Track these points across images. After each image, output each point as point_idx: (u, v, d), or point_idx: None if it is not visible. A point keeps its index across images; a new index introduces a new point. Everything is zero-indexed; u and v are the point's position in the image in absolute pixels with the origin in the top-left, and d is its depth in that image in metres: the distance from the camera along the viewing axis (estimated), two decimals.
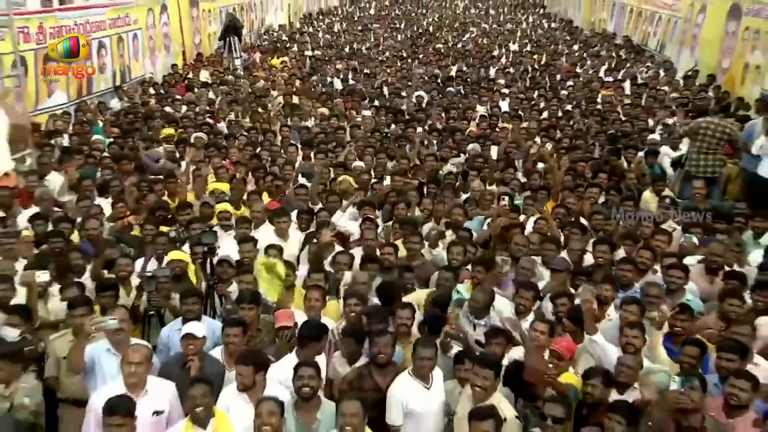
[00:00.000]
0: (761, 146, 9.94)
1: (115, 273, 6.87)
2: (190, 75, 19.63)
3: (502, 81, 19.25)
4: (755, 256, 7.65)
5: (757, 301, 6.38)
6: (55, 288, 6.50)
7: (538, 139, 12.53)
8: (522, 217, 8.49)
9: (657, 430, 4.67)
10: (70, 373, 5.54)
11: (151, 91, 17.25)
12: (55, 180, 9.50)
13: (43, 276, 6.29)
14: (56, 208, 8.56)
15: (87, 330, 5.26)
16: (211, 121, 13.80)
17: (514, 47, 27.28)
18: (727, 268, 7.22)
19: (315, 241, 7.62)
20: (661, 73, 20.15)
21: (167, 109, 14.88)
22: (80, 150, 10.98)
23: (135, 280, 6.89)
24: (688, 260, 7.31)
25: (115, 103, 15.88)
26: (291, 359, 5.26)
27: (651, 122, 13.86)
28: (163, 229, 7.90)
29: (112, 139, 11.93)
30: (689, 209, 8.98)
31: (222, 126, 13.70)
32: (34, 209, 8.37)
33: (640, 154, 11.50)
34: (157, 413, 4.86)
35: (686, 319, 5.95)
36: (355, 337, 5.54)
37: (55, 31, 14.79)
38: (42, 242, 7.51)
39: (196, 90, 17.22)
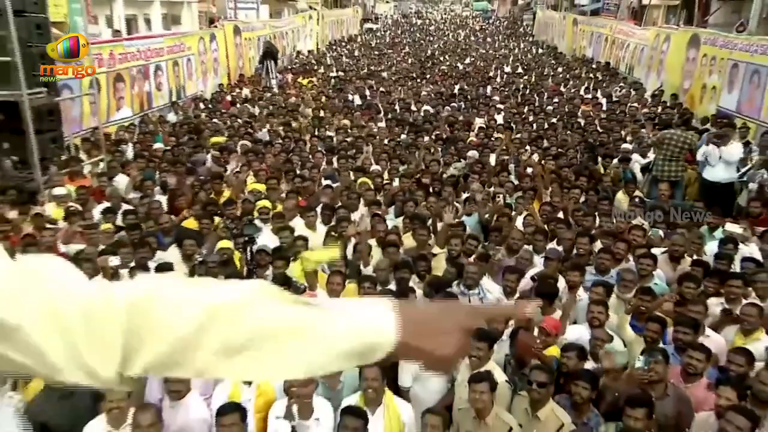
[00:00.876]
0: (703, 153, 10.03)
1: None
2: (234, 92, 19.84)
3: (497, 98, 19.27)
4: (711, 247, 7.65)
5: (708, 286, 6.42)
6: (125, 270, 6.55)
7: (528, 148, 12.53)
8: (513, 213, 8.51)
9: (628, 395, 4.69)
10: None
11: (201, 106, 17.37)
12: (121, 180, 9.71)
13: (114, 260, 6.41)
14: (124, 204, 8.69)
15: None
16: (251, 131, 13.86)
17: (507, 69, 27.32)
18: (688, 258, 7.23)
19: (334, 234, 7.57)
20: (632, 92, 20.12)
21: (215, 121, 14.96)
22: (142, 155, 11.11)
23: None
24: (655, 251, 7.33)
25: (171, 117, 16.01)
26: None
27: (624, 134, 13.82)
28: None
29: (169, 147, 12.02)
30: (655, 208, 9.03)
31: (262, 133, 13.76)
32: (105, 204, 8.52)
33: (615, 161, 11.49)
34: None
35: (649, 300, 5.97)
36: None
37: (122, 57, 15.08)
38: (117, 232, 7.71)
39: (238, 105, 17.42)
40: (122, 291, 0.90)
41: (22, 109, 8.81)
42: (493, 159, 11.63)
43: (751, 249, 7.55)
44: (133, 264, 6.71)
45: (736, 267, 7.01)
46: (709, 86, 16.47)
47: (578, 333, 5.75)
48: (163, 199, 8.88)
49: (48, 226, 7.49)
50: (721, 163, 10.00)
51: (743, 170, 10.21)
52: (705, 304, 5.94)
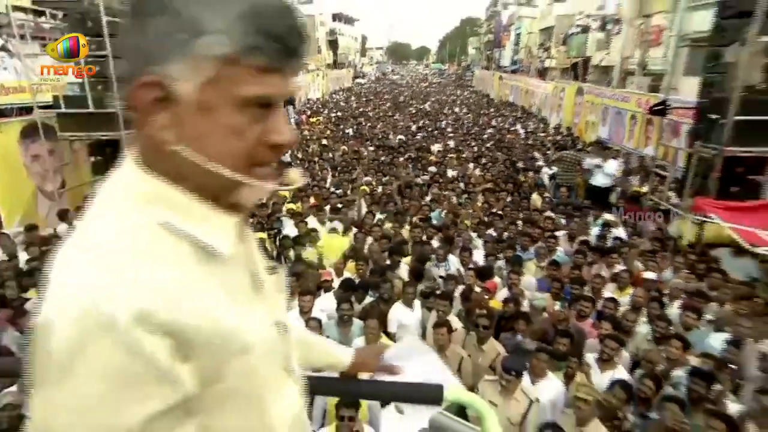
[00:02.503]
0: (588, 162, 10.11)
1: None
2: None
3: (449, 129, 19.25)
4: (595, 231, 7.71)
5: (593, 257, 6.47)
6: None
7: (471, 164, 12.58)
8: (462, 210, 8.53)
9: (542, 332, 4.76)
10: None
11: None
12: None
13: None
14: None
15: None
16: None
17: (456, 110, 27.26)
18: (579, 238, 7.29)
19: (335, 228, 7.37)
20: (540, 125, 20.25)
21: None
22: None
23: None
24: (559, 233, 7.38)
25: None
26: (330, 297, 5.24)
27: (537, 154, 13.89)
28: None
29: None
30: (558, 204, 9.13)
31: (285, 156, 13.60)
32: None
33: (531, 172, 11.58)
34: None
35: (555, 269, 6.00)
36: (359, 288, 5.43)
37: None
38: None
39: None
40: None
41: (121, 144, 8.72)
42: (449, 172, 11.64)
43: (619, 231, 7.63)
44: None
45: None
46: (590, 122, 16.57)
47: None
48: None
49: None
50: (600, 173, 10.09)
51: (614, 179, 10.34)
52: (590, 269, 6.07)
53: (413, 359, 1.38)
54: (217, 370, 0.67)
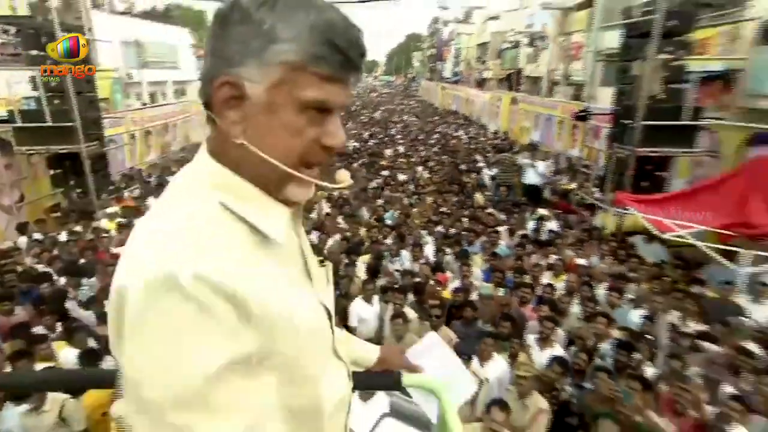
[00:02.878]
0: (522, 162, 10.43)
1: None
2: None
3: (399, 136, 19.36)
4: (531, 225, 7.93)
5: (531, 248, 6.65)
6: None
7: (419, 167, 12.71)
8: (413, 210, 8.62)
9: (491, 315, 4.87)
10: None
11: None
12: (152, 201, 9.17)
13: None
14: None
15: None
16: None
17: (404, 118, 27.42)
18: (519, 232, 7.48)
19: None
20: (481, 131, 20.66)
21: None
22: (164, 184, 10.58)
23: None
24: (500, 228, 7.56)
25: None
26: None
27: (478, 157, 14.16)
28: None
29: None
30: (499, 202, 9.36)
31: None
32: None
33: (473, 174, 11.81)
34: None
35: (496, 259, 6.15)
36: None
37: (150, 118, 14.34)
38: None
39: None
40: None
41: (81, 157, 8.30)
42: (399, 176, 11.71)
43: (552, 224, 7.88)
44: None
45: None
46: (524, 127, 17.03)
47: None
48: None
49: (103, 235, 7.06)
50: (533, 172, 10.30)
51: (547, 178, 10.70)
52: (530, 258, 6.23)
53: (432, 356, 1.39)
54: (270, 343, 0.67)
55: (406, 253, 6.38)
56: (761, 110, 11.46)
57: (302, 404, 0.76)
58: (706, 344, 4.31)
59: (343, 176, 0.84)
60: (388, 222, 7.91)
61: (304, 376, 0.75)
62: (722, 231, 5.76)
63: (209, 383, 0.61)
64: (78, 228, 7.40)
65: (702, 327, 4.58)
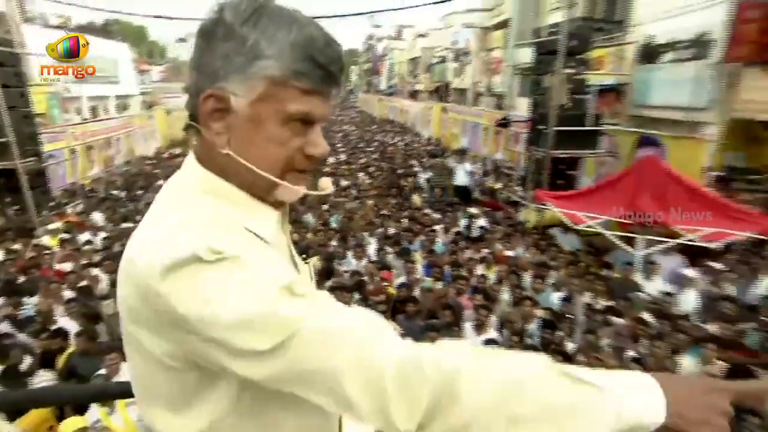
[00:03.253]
0: (452, 165, 10.72)
1: None
2: (170, 152, 17.88)
3: (340, 144, 19.22)
4: (463, 222, 8.09)
5: (465, 244, 6.86)
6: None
7: (360, 174, 12.70)
8: (356, 214, 8.58)
9: (432, 306, 4.88)
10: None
11: (147, 162, 15.64)
12: (96, 216, 8.53)
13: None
14: (100, 232, 7.64)
15: None
16: None
17: (345, 127, 27.27)
18: (453, 229, 7.63)
19: None
20: (415, 138, 21.00)
21: (157, 171, 13.60)
22: (108, 198, 9.88)
23: None
24: (436, 227, 7.68)
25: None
26: None
27: (414, 162, 14.30)
28: None
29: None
30: (434, 202, 9.54)
31: None
32: (86, 233, 7.36)
33: (410, 177, 11.95)
34: None
35: (434, 256, 6.26)
36: None
37: (92, 132, 13.30)
38: (97, 252, 6.65)
39: (178, 159, 15.88)
40: (431, 358, 0.60)
41: (18, 173, 7.54)
42: (342, 182, 11.61)
43: (482, 221, 8.11)
44: None
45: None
46: (454, 133, 17.57)
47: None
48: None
49: (45, 252, 6.46)
50: (461, 172, 10.53)
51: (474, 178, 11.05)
52: (464, 254, 6.38)
53: None
54: None
55: (350, 254, 6.36)
56: (644, 117, 12.65)
57: None
58: (614, 318, 4.64)
59: (326, 183, 0.83)
60: (334, 225, 7.84)
61: None
62: (622, 220, 6.24)
63: (286, 282, 0.60)
64: (17, 246, 6.71)
65: (609, 303, 4.92)
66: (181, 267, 0.58)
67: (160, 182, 11.05)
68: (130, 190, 10.99)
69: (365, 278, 5.50)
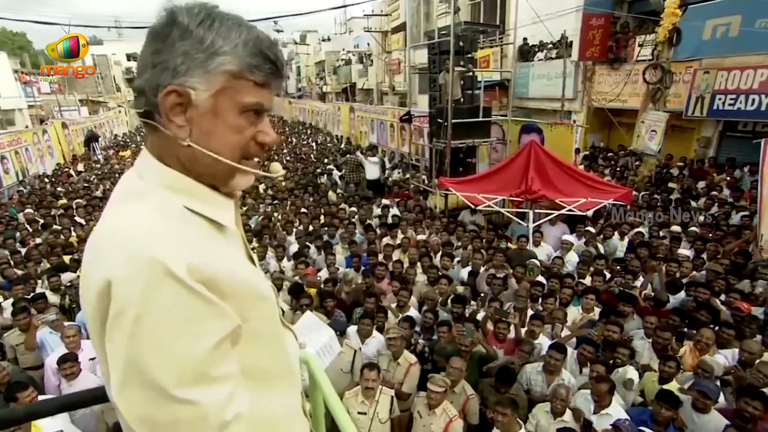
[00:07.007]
0: (362, 160, 10.65)
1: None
2: (70, 168, 15.65)
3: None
4: (376, 212, 8.09)
5: (379, 232, 6.86)
6: (7, 302, 4.80)
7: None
8: (274, 215, 8.28)
9: (356, 294, 4.93)
10: (26, 352, 4.09)
11: (45, 180, 13.65)
12: None
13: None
14: None
15: (35, 324, 4.08)
16: (89, 192, 11.21)
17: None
18: (369, 221, 7.62)
19: None
20: (328, 138, 20.71)
21: (58, 189, 11.95)
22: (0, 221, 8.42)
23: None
24: (354, 220, 7.59)
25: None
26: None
27: (328, 160, 14.15)
28: None
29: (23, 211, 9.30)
30: (350, 196, 9.49)
31: (99, 192, 11.25)
32: None
33: (325, 176, 11.75)
34: (92, 359, 3.80)
35: (354, 247, 6.20)
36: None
37: None
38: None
39: (76, 176, 14.02)
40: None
41: None
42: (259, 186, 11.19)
43: (395, 210, 8.23)
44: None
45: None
46: (363, 131, 17.60)
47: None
48: (23, 250, 6.73)
49: None
50: (371, 166, 10.55)
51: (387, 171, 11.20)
52: (380, 242, 6.43)
53: (310, 330, 1.50)
54: (243, 313, 0.69)
55: (270, 254, 6.17)
56: (524, 108, 13.80)
57: (278, 362, 0.80)
58: (513, 283, 5.02)
59: (276, 167, 0.88)
60: (253, 227, 7.50)
61: (273, 338, 0.78)
62: (514, 198, 6.74)
63: (210, 359, 0.62)
64: None
65: (509, 272, 5.31)
66: (150, 281, 0.59)
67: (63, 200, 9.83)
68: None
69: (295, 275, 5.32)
